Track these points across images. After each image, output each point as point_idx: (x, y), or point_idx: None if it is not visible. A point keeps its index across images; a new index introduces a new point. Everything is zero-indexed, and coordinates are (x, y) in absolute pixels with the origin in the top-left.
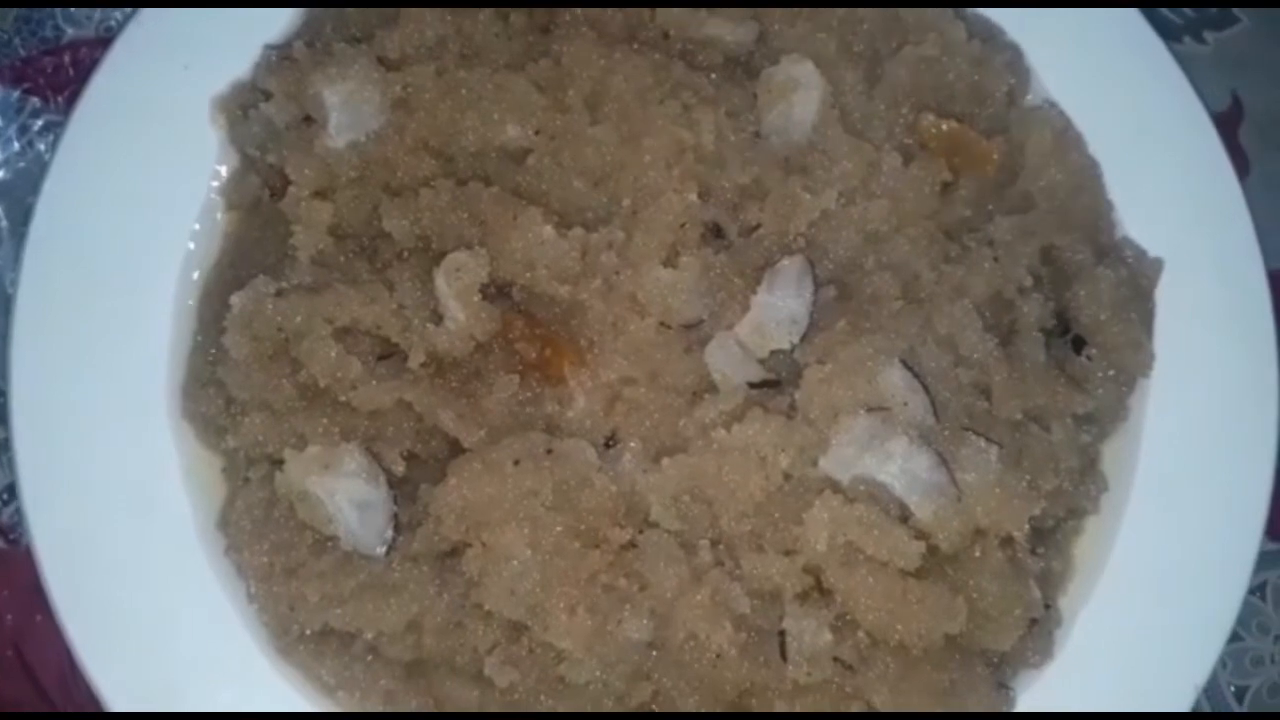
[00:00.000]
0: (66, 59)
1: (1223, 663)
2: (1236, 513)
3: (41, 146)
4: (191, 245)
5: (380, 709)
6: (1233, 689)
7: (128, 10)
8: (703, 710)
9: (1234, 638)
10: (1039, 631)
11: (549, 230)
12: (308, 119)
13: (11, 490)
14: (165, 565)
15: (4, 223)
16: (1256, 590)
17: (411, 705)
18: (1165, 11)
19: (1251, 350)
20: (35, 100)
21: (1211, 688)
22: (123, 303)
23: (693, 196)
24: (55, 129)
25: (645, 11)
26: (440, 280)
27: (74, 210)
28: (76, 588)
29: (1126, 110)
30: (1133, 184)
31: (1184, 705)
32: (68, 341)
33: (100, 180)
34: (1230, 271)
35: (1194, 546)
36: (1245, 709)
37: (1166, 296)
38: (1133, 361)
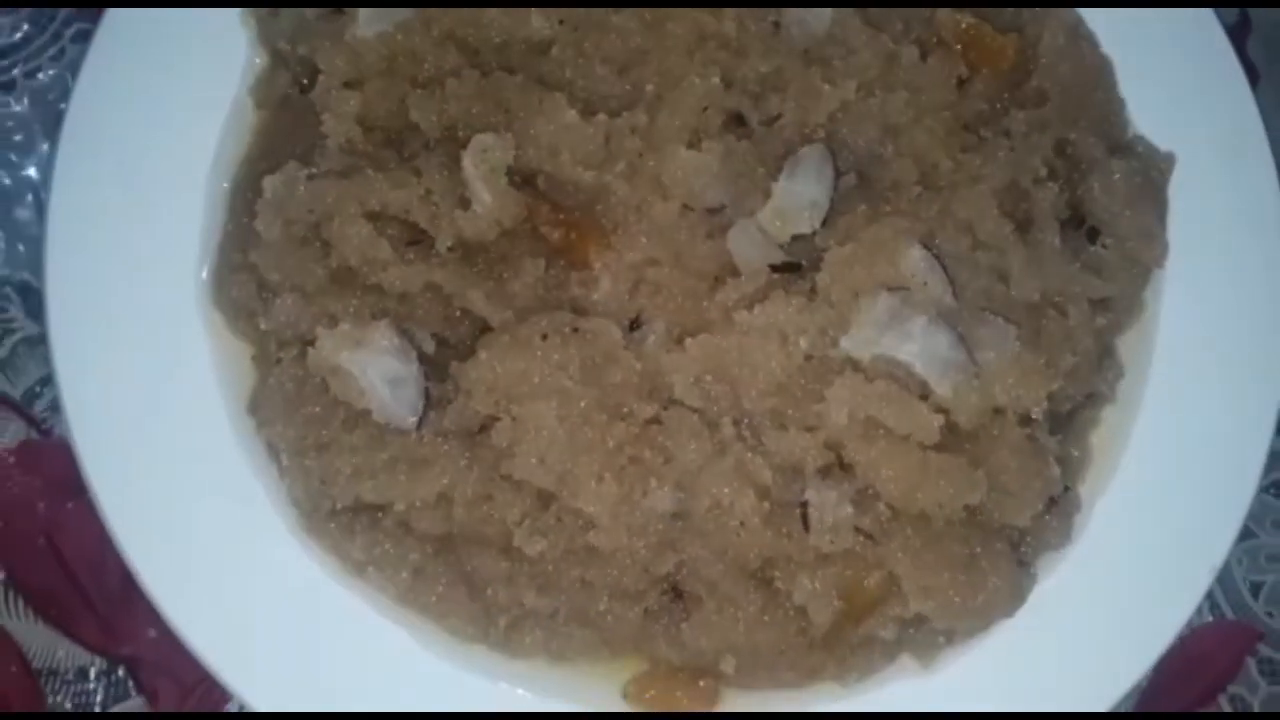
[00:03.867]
0: None
1: (1238, 559)
2: (1251, 407)
3: (74, 54)
4: (221, 143)
5: (409, 584)
6: (1248, 584)
7: None
8: (726, 579)
9: (1249, 535)
10: (1058, 513)
11: (573, 115)
12: (337, 10)
13: (43, 383)
14: (197, 451)
15: (37, 126)
16: (1271, 489)
17: (441, 579)
18: None
19: (1265, 247)
20: (66, 10)
21: (1228, 583)
22: (153, 201)
23: (715, 81)
24: (87, 36)
25: None
26: (467, 161)
27: (105, 113)
28: (112, 472)
29: (1137, 11)
30: (1145, 83)
31: (1201, 587)
32: (101, 239)
33: (130, 83)
34: (1242, 169)
35: (1209, 434)
36: (1261, 604)
37: (1178, 194)
38: (1147, 252)
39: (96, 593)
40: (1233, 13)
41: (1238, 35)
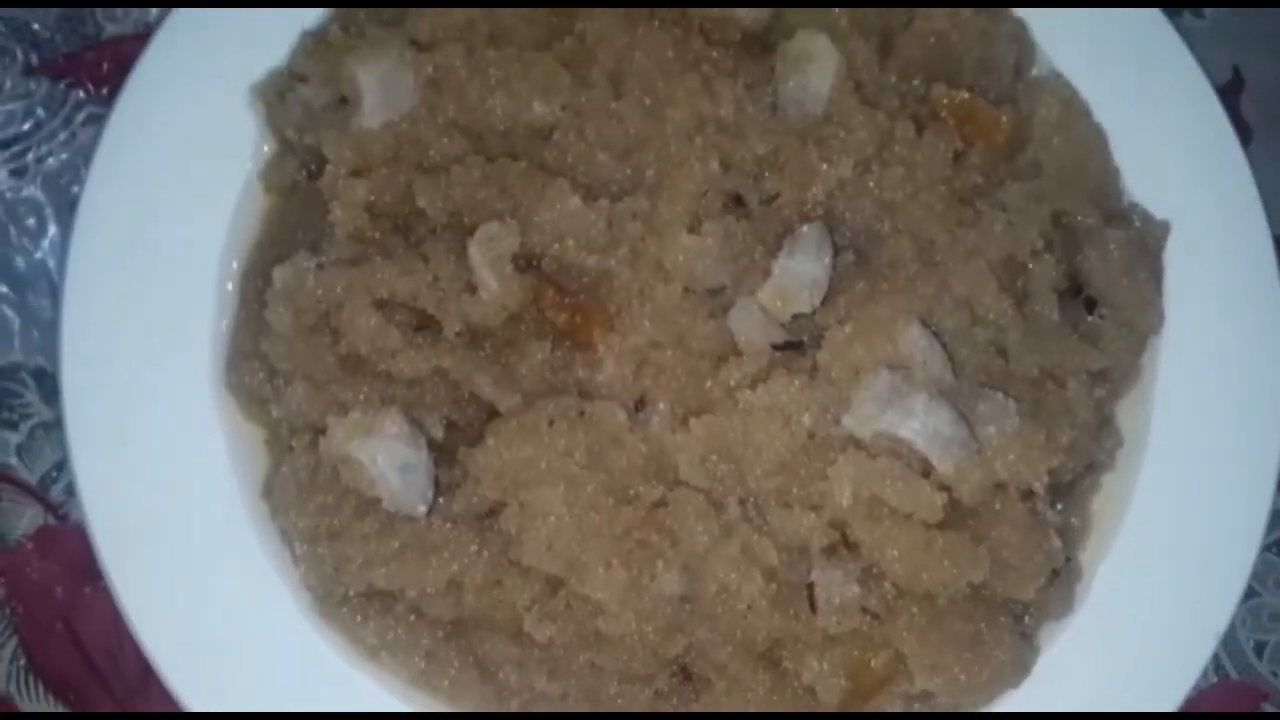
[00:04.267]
0: (107, 54)
1: (1242, 619)
2: (1250, 466)
3: (85, 138)
4: (232, 228)
5: (422, 669)
6: (1252, 644)
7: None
8: (735, 661)
9: (1252, 594)
10: (1060, 583)
11: (576, 201)
12: (343, 100)
13: (59, 468)
14: (212, 535)
15: (49, 210)
16: (1273, 547)
17: (453, 664)
18: None
19: (1260, 309)
20: (78, 93)
21: (1232, 644)
22: (166, 284)
23: (714, 165)
24: (98, 121)
25: None
26: (474, 250)
27: (118, 197)
28: (127, 557)
29: (1130, 82)
30: (1138, 151)
31: (1205, 653)
32: (114, 323)
33: (143, 167)
34: (1236, 233)
35: (1210, 498)
36: (1265, 663)
37: (1174, 260)
38: (1144, 320)
39: (114, 678)
40: (1226, 70)
41: (1231, 93)
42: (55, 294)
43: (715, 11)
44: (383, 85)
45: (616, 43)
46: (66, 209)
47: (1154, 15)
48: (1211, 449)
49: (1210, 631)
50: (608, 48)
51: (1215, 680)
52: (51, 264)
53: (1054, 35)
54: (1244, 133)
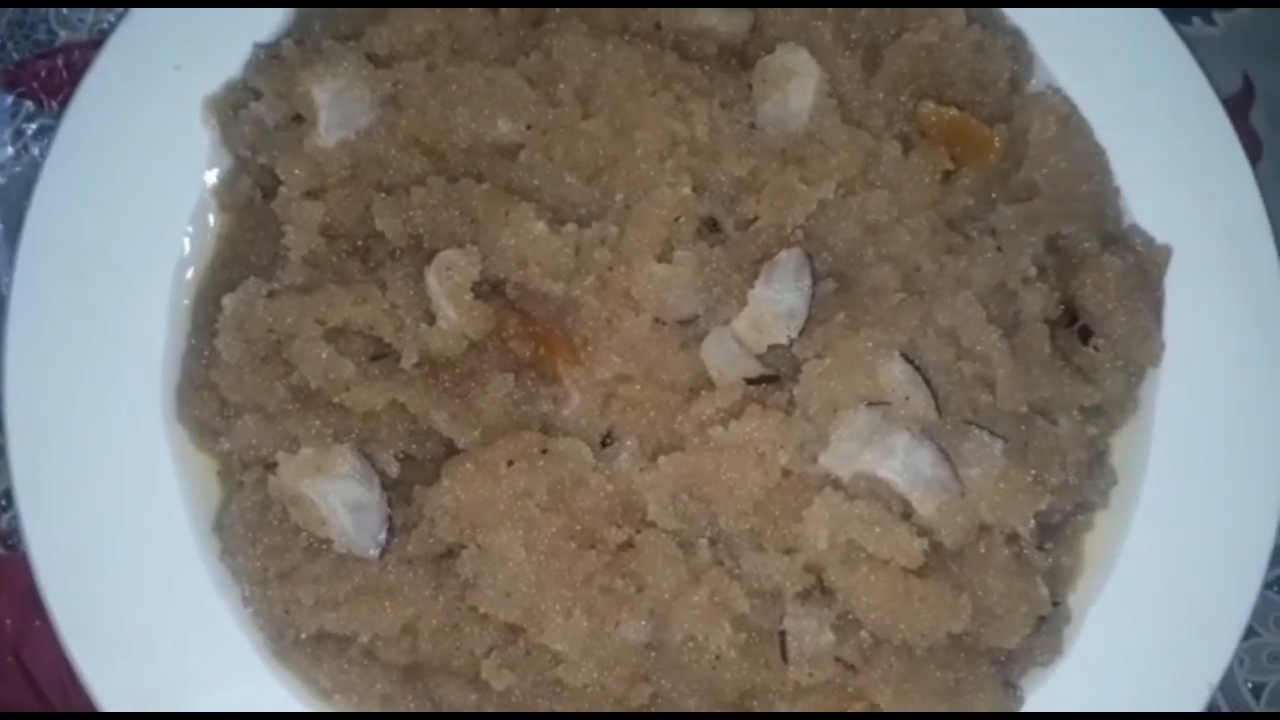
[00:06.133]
0: (60, 62)
1: (1239, 659)
2: (1251, 505)
3: (36, 151)
4: (185, 247)
5: (378, 711)
6: (1250, 685)
7: (120, 12)
8: (703, 711)
9: (1251, 634)
10: (1047, 629)
11: (541, 226)
12: (298, 118)
13: (8, 496)
14: (162, 570)
15: (0, 228)
16: (1273, 585)
17: (409, 708)
18: None
19: (1265, 338)
20: (29, 104)
21: (1228, 684)
22: (117, 306)
23: (686, 190)
24: (50, 133)
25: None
26: (431, 280)
27: (67, 214)
28: (73, 593)
29: (1133, 94)
30: (1140, 170)
31: (1199, 703)
32: (62, 346)
33: (93, 183)
34: (1241, 257)
35: (1208, 540)
36: (1262, 706)
37: (1176, 284)
38: (1141, 352)
39: (64, 709)
40: (1236, 81)
41: (1241, 104)
42: (2, 313)
43: (689, 25)
44: (339, 102)
45: (585, 58)
46: (17, 226)
47: (1159, 23)
48: (1211, 486)
49: (1204, 680)
50: (576, 64)
51: None
52: (5, 283)
53: (1052, 45)
54: (1253, 147)
